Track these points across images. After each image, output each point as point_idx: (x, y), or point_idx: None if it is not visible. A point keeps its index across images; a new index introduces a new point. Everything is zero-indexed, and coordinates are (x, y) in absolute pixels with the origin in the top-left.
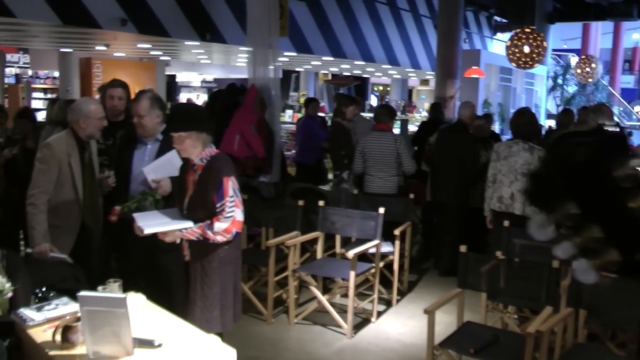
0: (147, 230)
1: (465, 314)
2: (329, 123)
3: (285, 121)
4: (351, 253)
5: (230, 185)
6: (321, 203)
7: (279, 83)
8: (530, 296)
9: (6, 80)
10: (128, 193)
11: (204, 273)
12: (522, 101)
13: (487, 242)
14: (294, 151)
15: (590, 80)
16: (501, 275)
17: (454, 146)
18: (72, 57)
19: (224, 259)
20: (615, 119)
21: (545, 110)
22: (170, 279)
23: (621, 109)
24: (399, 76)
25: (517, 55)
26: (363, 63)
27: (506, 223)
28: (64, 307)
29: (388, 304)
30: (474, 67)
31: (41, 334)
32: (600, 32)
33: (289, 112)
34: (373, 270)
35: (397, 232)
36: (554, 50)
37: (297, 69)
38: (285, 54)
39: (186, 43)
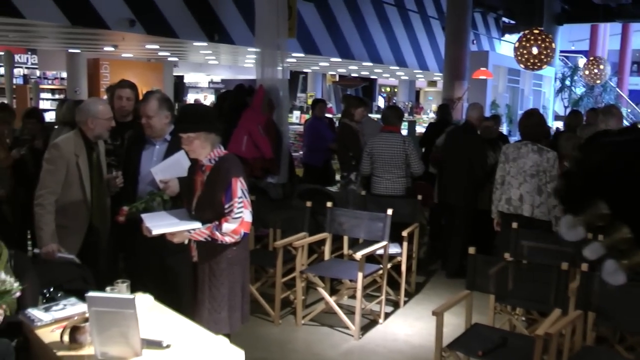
0: (156, 231)
1: (473, 315)
2: (337, 124)
3: (293, 122)
4: (359, 254)
5: (239, 186)
6: (329, 204)
7: (287, 84)
8: (539, 298)
9: (14, 81)
10: (136, 193)
11: (212, 274)
12: (529, 103)
13: (494, 244)
14: (301, 152)
15: (598, 81)
16: (509, 277)
17: (462, 148)
18: (80, 57)
19: (232, 260)
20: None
21: (553, 112)
22: (177, 279)
23: (629, 110)
24: (406, 77)
25: (526, 56)
26: (371, 64)
27: (514, 225)
28: (71, 308)
29: (395, 305)
30: (482, 69)
31: (49, 335)
32: (609, 34)
33: (297, 113)
34: (381, 272)
35: (405, 233)
36: (562, 51)
37: (304, 70)
38: (293, 55)
39: (194, 44)
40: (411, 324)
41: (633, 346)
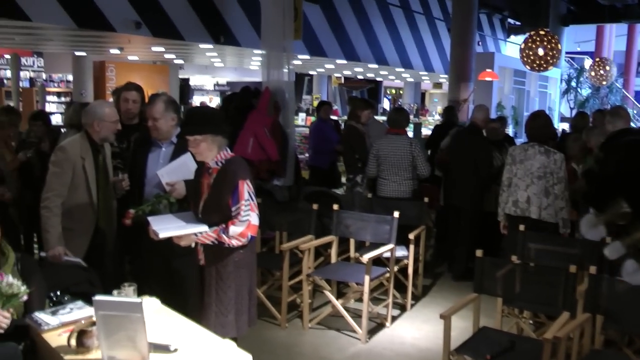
0: (163, 234)
1: (480, 319)
2: (342, 126)
3: (299, 124)
4: (366, 257)
5: (246, 188)
6: (335, 207)
7: (293, 86)
8: (547, 301)
9: (21, 84)
10: (142, 196)
11: (218, 277)
12: (535, 104)
13: (501, 247)
14: (307, 154)
15: (604, 83)
16: (517, 280)
17: (468, 149)
18: (86, 60)
19: (239, 263)
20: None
21: (559, 113)
22: (184, 283)
23: (635, 111)
24: (412, 79)
25: (532, 57)
26: (376, 66)
27: (522, 227)
28: (78, 311)
29: (402, 308)
30: (487, 70)
31: (56, 338)
32: (614, 35)
33: (302, 115)
34: (387, 275)
35: (411, 236)
36: (568, 52)
37: (310, 72)
38: (299, 56)
39: (200, 46)
40: (418, 327)
41: None
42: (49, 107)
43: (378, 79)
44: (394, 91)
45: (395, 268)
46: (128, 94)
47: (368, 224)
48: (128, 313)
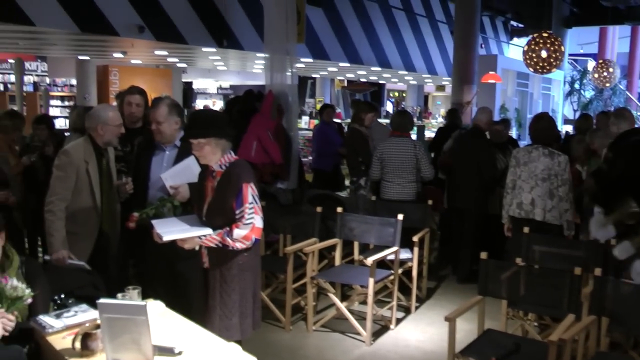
0: (167, 237)
1: (485, 321)
2: (346, 129)
3: (302, 127)
4: (370, 260)
5: (250, 191)
6: (339, 209)
7: (296, 89)
8: (552, 304)
9: (24, 88)
10: (146, 199)
11: (223, 280)
12: (539, 106)
13: (505, 249)
14: (310, 157)
15: (607, 84)
16: (521, 283)
17: (471, 152)
18: (89, 64)
19: (243, 266)
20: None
21: (562, 115)
22: (188, 286)
23: (639, 113)
24: (415, 82)
25: (535, 60)
26: (379, 69)
27: (526, 229)
28: (82, 314)
29: (407, 311)
30: (490, 73)
31: (60, 341)
32: (618, 36)
33: (305, 118)
34: (392, 277)
35: (415, 238)
36: (571, 54)
37: (313, 75)
38: (302, 60)
39: (203, 49)
40: (423, 330)
41: None
42: (53, 111)
43: (381, 81)
44: (396, 94)
45: (400, 270)
46: (131, 98)
47: (372, 226)
48: (132, 316)
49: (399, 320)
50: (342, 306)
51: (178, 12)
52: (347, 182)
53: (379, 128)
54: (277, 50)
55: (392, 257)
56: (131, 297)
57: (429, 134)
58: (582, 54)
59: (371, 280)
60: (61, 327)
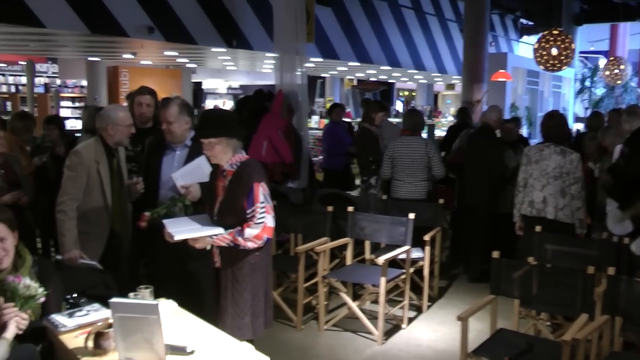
0: (178, 237)
1: (497, 320)
2: (355, 128)
3: (312, 127)
4: (381, 259)
5: (261, 191)
6: (350, 209)
7: (306, 89)
8: (565, 303)
9: (35, 90)
10: (157, 199)
11: (234, 280)
12: (549, 104)
13: (516, 248)
14: (321, 157)
15: (618, 82)
16: (534, 282)
17: (480, 150)
18: (99, 65)
19: (255, 265)
20: None
21: (573, 113)
22: (200, 285)
23: None
24: (424, 81)
25: (545, 57)
26: (389, 68)
27: (538, 228)
28: (95, 314)
29: (418, 310)
30: (500, 71)
31: (73, 340)
32: (629, 33)
33: (315, 117)
34: (403, 276)
35: (427, 237)
36: (581, 52)
37: (322, 75)
38: (312, 59)
39: (212, 50)
40: (435, 329)
41: None
42: (64, 112)
43: (390, 81)
44: (406, 93)
45: (411, 270)
46: (142, 98)
47: (383, 225)
48: (144, 315)
49: (410, 320)
50: (353, 305)
51: (187, 13)
52: (357, 182)
53: (390, 127)
54: (287, 50)
55: (403, 256)
56: (143, 296)
57: (439, 132)
58: (593, 51)
59: (383, 280)
60: (74, 326)
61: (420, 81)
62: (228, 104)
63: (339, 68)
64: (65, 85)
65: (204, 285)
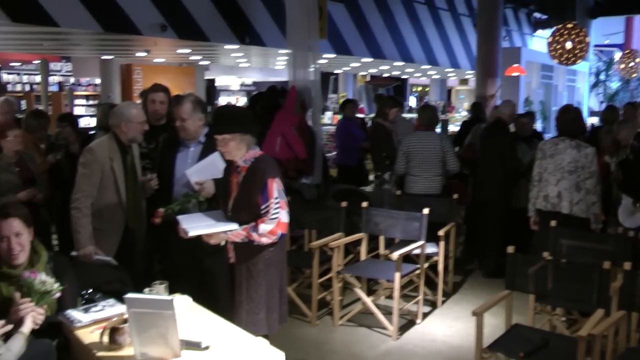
0: (192, 233)
1: (512, 316)
2: (369, 124)
3: (325, 123)
4: (396, 254)
5: (275, 186)
6: (364, 204)
7: (319, 85)
8: (580, 298)
9: (50, 88)
10: (171, 195)
11: (249, 275)
12: (564, 99)
13: (531, 243)
14: (334, 153)
15: (634, 75)
16: (549, 277)
17: (492, 145)
18: (113, 64)
19: (270, 261)
20: None
21: (588, 107)
22: (214, 281)
23: None
24: (438, 76)
25: (559, 51)
26: (402, 64)
27: (553, 223)
28: (110, 309)
29: (433, 305)
30: (514, 65)
31: (88, 335)
32: None
33: (329, 113)
34: (418, 272)
35: (441, 232)
36: (596, 45)
37: (335, 71)
38: (325, 55)
39: (225, 47)
40: (449, 324)
41: None
42: (78, 110)
43: (404, 76)
44: (420, 89)
45: (426, 265)
46: (155, 95)
47: (398, 221)
48: (160, 310)
49: (425, 315)
50: (368, 301)
51: (200, 10)
52: (371, 177)
53: (403, 123)
54: (300, 46)
55: (417, 251)
56: (158, 292)
57: (453, 128)
58: (608, 44)
59: (397, 275)
60: (89, 322)
61: (434, 76)
62: (241, 101)
63: (352, 64)
64: (79, 83)
65: (218, 281)
